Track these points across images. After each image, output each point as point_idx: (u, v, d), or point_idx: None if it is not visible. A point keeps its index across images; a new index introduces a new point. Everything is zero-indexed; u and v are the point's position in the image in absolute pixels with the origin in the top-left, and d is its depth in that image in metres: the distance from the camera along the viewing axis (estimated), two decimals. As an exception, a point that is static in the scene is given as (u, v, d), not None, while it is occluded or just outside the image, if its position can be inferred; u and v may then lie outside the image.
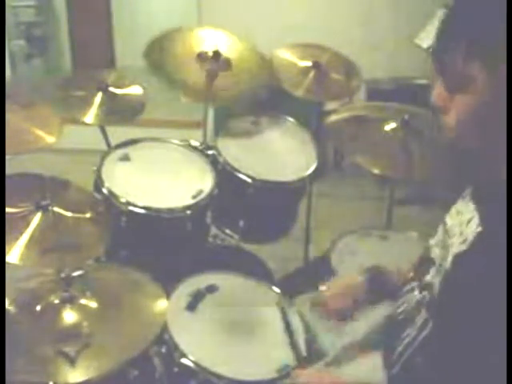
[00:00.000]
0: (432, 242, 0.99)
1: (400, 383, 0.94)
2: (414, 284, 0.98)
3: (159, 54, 1.87)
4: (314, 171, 1.85)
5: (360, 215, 3.07)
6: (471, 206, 0.88)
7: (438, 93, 0.84)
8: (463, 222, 0.88)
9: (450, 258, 0.87)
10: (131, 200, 1.60)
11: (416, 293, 0.96)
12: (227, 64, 1.88)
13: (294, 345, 1.38)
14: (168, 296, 1.42)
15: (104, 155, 1.74)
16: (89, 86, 1.86)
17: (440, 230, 0.97)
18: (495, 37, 0.75)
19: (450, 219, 0.94)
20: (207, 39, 1.93)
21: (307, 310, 1.45)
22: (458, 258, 0.85)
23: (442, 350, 0.85)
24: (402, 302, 1.01)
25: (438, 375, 0.84)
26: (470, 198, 0.90)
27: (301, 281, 2.22)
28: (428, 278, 0.93)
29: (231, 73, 1.89)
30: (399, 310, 1.01)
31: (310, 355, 1.38)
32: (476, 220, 0.84)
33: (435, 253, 0.95)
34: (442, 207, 1.03)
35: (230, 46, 1.93)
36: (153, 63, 1.85)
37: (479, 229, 0.82)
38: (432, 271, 0.94)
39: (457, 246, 0.86)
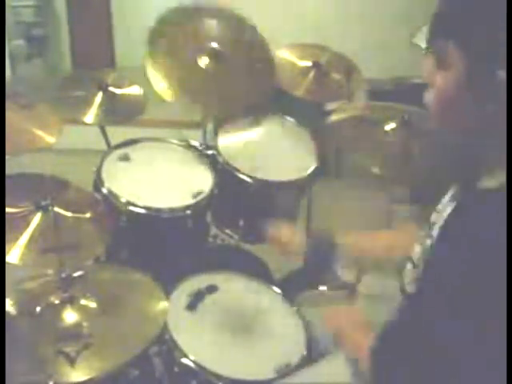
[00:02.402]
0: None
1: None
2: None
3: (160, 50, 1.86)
4: (314, 171, 1.85)
5: (360, 215, 3.07)
6: (450, 207, 0.89)
7: (426, 68, 0.87)
8: (442, 215, 0.89)
9: (423, 261, 0.88)
10: (131, 200, 1.60)
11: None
12: (227, 64, 1.88)
13: None
14: (168, 296, 1.42)
15: (104, 155, 1.74)
16: (89, 86, 1.86)
17: (426, 228, 0.98)
18: (463, 16, 0.78)
19: (434, 217, 0.95)
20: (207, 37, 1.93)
21: (307, 309, 1.45)
22: (427, 262, 0.88)
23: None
24: None
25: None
26: (452, 197, 0.91)
27: (301, 281, 2.22)
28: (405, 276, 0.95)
29: (231, 72, 1.89)
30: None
31: (310, 355, 1.39)
32: (451, 207, 0.86)
33: (416, 250, 0.96)
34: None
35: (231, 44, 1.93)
36: (152, 62, 1.84)
37: (450, 209, 0.85)
38: (408, 267, 0.95)
39: (429, 249, 0.87)
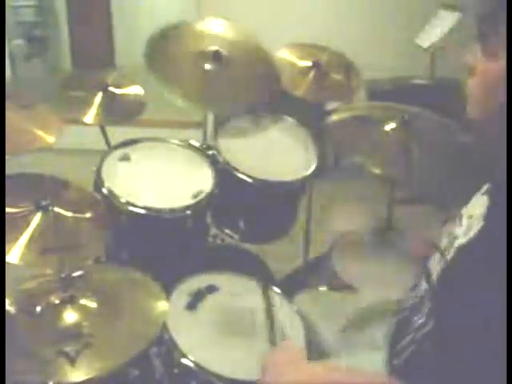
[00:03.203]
0: (444, 231, 1.00)
1: (403, 374, 0.94)
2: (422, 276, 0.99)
3: (158, 53, 1.86)
4: (314, 171, 1.85)
5: (360, 215, 3.07)
6: (485, 201, 0.88)
7: (473, 53, 0.87)
8: (473, 215, 0.88)
9: (452, 249, 0.87)
10: (131, 200, 1.60)
11: (423, 283, 0.97)
12: (227, 64, 1.88)
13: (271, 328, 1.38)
14: (168, 296, 1.42)
15: (104, 155, 1.74)
16: (89, 86, 1.86)
17: (456, 221, 0.97)
18: None
19: (466, 211, 0.94)
20: (207, 37, 1.93)
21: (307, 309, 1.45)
22: (460, 249, 0.86)
23: (439, 342, 0.85)
24: (412, 295, 1.01)
25: (439, 367, 0.83)
26: (487, 192, 0.91)
27: (301, 281, 2.22)
28: (429, 264, 0.94)
29: (231, 73, 1.89)
30: (408, 303, 1.01)
31: (310, 355, 1.39)
32: (483, 214, 0.85)
33: (443, 242, 0.96)
34: (442, 207, 1.03)
35: (231, 44, 1.93)
36: (152, 63, 1.84)
37: (482, 223, 0.82)
38: (435, 258, 0.94)
39: (461, 238, 0.87)
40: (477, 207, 0.89)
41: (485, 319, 0.75)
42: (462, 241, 0.86)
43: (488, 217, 0.83)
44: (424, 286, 0.96)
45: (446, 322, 0.83)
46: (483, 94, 0.86)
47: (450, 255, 0.88)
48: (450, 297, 0.83)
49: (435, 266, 0.94)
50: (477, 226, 0.84)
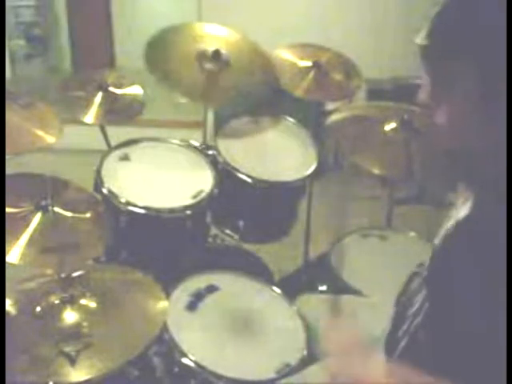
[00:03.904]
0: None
1: (403, 360, 0.94)
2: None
3: (158, 54, 1.87)
4: (314, 171, 1.85)
5: (360, 215, 3.07)
6: (469, 194, 0.88)
7: (427, 90, 0.83)
8: (459, 204, 0.89)
9: (440, 238, 0.88)
10: (131, 200, 1.60)
11: (417, 277, 0.98)
12: (227, 64, 1.88)
13: None
14: (168, 296, 1.42)
15: (104, 155, 1.74)
16: (89, 86, 1.86)
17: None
18: (485, 37, 0.74)
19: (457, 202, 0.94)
20: (207, 38, 1.93)
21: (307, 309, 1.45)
22: (445, 238, 0.86)
23: (435, 325, 0.85)
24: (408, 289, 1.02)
25: (437, 351, 0.83)
26: (468, 186, 0.90)
27: (301, 281, 2.22)
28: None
29: (231, 73, 1.89)
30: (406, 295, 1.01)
31: (310, 355, 1.39)
32: (468, 204, 0.84)
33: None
34: (441, 207, 1.03)
35: (231, 44, 1.93)
36: (152, 63, 1.85)
37: (467, 212, 0.83)
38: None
39: (447, 227, 0.87)
40: (463, 199, 0.89)
41: (472, 307, 0.75)
42: (448, 230, 0.86)
43: (474, 206, 0.83)
44: (420, 279, 0.97)
45: (435, 310, 0.84)
46: (452, 126, 0.81)
47: (437, 244, 0.88)
48: (438, 286, 0.84)
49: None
50: (463, 214, 0.84)
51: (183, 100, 1.82)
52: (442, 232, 0.89)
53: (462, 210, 0.86)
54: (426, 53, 0.82)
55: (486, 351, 0.74)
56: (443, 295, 0.81)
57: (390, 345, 1.00)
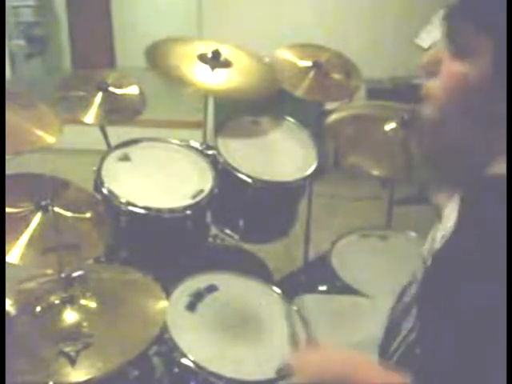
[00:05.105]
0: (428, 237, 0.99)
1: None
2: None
3: (160, 57, 1.87)
4: (314, 171, 1.85)
5: (360, 215, 3.07)
6: (456, 205, 0.86)
7: (436, 52, 0.80)
8: (447, 218, 0.87)
9: (431, 255, 0.87)
10: (131, 200, 1.60)
11: (412, 287, 0.97)
12: (227, 63, 1.88)
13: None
14: (168, 296, 1.42)
15: (104, 155, 1.74)
16: (89, 86, 1.86)
17: (438, 224, 0.96)
18: (504, 18, 0.70)
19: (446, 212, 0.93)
20: (207, 45, 1.94)
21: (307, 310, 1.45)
22: (435, 256, 0.84)
23: (424, 348, 0.84)
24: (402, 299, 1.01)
25: (431, 366, 0.83)
26: (458, 196, 0.89)
27: (301, 281, 2.22)
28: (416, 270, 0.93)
29: (231, 73, 1.89)
30: (400, 305, 1.01)
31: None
32: (454, 218, 0.82)
33: (425, 247, 0.95)
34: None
35: (231, 52, 1.94)
36: (153, 64, 1.85)
37: (453, 227, 0.81)
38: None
39: (436, 244, 0.86)
40: (451, 211, 0.88)
41: (464, 325, 0.73)
42: (437, 246, 0.85)
43: (459, 220, 0.80)
44: (413, 290, 0.96)
45: (428, 329, 0.82)
46: (445, 96, 0.78)
47: (428, 261, 0.87)
48: (429, 305, 0.81)
49: (418, 273, 0.93)
50: (449, 230, 0.82)
51: (185, 92, 1.80)
52: (431, 247, 0.87)
53: (449, 220, 0.84)
54: (454, 11, 0.78)
55: (480, 373, 0.72)
56: (433, 317, 0.79)
57: (384, 355, 0.99)
